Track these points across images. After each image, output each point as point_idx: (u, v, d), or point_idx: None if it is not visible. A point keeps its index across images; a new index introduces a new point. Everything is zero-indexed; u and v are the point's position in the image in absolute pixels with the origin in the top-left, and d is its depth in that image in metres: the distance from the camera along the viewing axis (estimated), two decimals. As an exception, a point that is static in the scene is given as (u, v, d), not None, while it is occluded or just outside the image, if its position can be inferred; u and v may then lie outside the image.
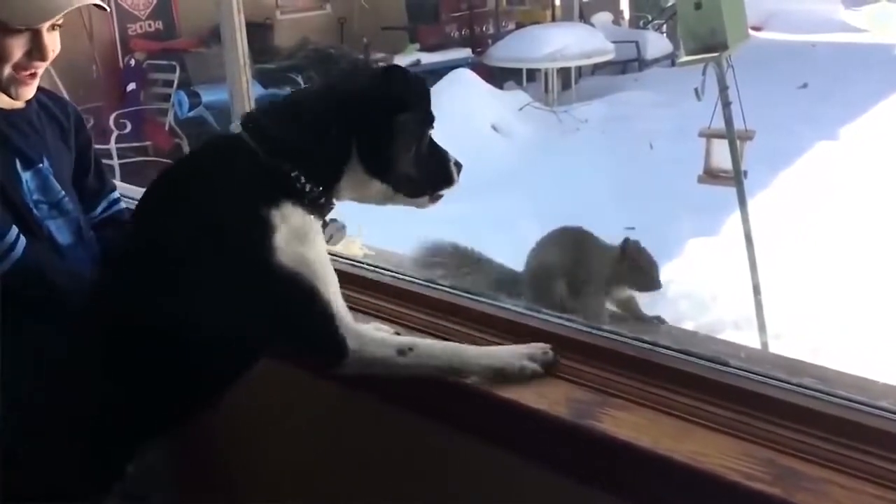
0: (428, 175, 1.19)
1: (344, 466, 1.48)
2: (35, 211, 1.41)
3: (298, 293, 1.09)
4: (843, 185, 6.46)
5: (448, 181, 1.22)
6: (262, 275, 1.08)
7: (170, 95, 7.93)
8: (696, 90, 3.78)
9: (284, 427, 1.57)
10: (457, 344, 1.26)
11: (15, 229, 1.34)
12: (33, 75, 1.41)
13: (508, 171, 7.18)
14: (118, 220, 1.62)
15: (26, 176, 1.41)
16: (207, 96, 7.83)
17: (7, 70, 1.37)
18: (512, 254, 1.77)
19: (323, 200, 1.14)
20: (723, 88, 3.58)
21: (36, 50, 1.37)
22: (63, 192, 1.46)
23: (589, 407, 1.17)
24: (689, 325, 4.65)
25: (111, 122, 7.66)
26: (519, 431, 1.20)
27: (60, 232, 1.45)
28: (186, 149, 8.03)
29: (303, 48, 9.56)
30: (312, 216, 1.13)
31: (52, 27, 1.40)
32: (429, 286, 1.50)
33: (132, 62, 8.25)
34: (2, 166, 1.37)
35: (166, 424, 1.25)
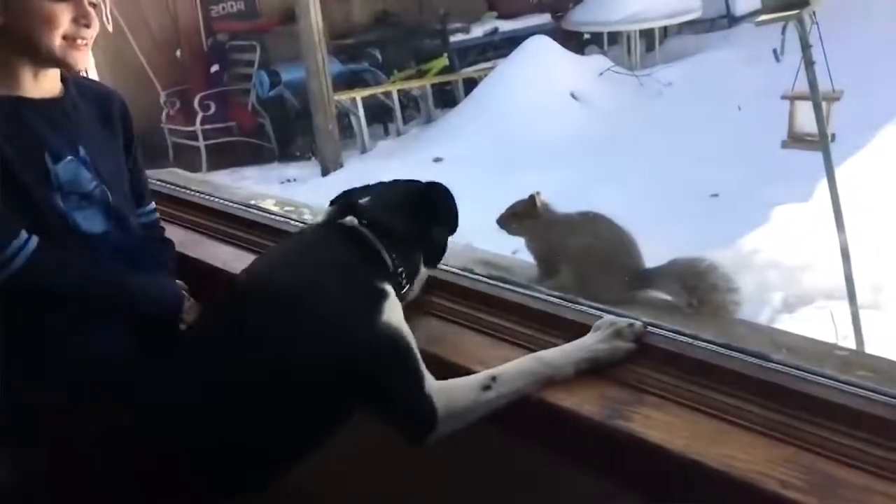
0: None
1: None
2: (61, 204, 1.41)
3: (397, 350, 1.18)
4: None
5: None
6: (371, 333, 1.18)
7: (251, 75, 8.07)
8: (774, 51, 3.58)
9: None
10: (532, 355, 1.22)
11: (24, 234, 1.34)
12: (86, 44, 1.44)
13: (587, 140, 7.01)
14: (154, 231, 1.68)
15: (56, 169, 1.41)
16: (287, 75, 7.94)
17: (58, 39, 1.39)
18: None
19: (404, 292, 1.33)
20: (805, 47, 3.37)
21: (81, 15, 1.40)
22: (95, 182, 1.46)
23: (621, 406, 1.12)
24: (777, 296, 4.47)
25: (196, 104, 7.87)
26: (547, 429, 1.16)
27: (89, 221, 1.44)
28: (269, 128, 8.21)
29: (381, 21, 9.55)
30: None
31: (90, 3, 1.42)
32: (463, 275, 1.48)
33: (215, 44, 8.43)
34: (29, 164, 1.38)
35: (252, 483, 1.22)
